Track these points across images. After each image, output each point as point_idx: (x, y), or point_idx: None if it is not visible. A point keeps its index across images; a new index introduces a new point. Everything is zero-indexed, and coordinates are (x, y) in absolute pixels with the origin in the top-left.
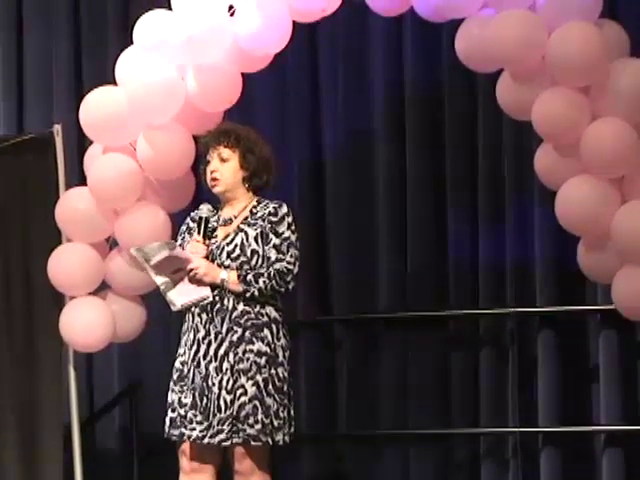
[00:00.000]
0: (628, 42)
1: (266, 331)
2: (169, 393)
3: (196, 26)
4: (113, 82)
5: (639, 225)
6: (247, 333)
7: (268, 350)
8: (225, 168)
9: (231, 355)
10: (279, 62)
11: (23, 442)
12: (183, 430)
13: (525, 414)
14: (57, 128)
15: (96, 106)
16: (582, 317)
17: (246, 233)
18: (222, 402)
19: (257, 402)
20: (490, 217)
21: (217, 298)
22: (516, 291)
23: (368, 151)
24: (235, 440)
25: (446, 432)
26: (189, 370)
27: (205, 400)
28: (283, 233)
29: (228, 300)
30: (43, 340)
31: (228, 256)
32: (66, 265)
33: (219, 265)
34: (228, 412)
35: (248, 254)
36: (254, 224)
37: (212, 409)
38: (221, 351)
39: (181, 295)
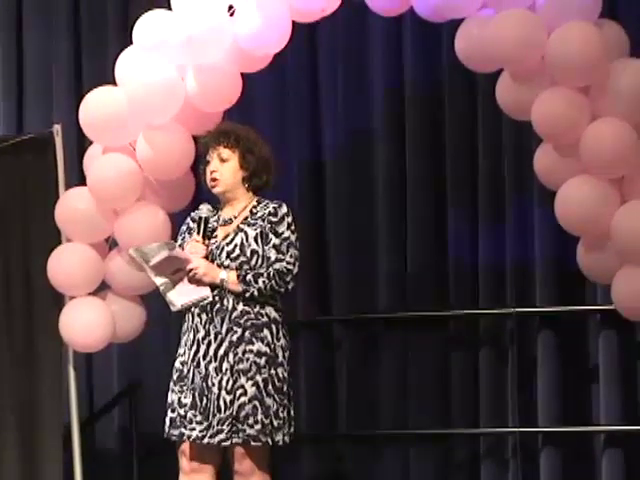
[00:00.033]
0: (628, 42)
1: (266, 331)
2: (169, 393)
3: (196, 26)
4: (113, 82)
5: (639, 225)
6: (247, 333)
7: (268, 350)
8: (225, 168)
9: (231, 355)
10: (279, 62)
11: (23, 442)
12: (183, 430)
13: (525, 414)
14: (57, 128)
15: (96, 106)
16: (582, 317)
17: (246, 233)
18: (222, 402)
19: (257, 402)
20: (490, 217)
21: (217, 298)
22: (516, 291)
23: (368, 151)
24: (235, 440)
25: (446, 432)
26: (189, 370)
27: (205, 400)
28: (283, 233)
29: (228, 300)
30: (43, 340)
31: (228, 256)
32: (66, 265)
33: (219, 265)
34: (228, 412)
35: (248, 254)
36: (254, 224)
37: (212, 409)
38: (221, 351)
39: (181, 295)
